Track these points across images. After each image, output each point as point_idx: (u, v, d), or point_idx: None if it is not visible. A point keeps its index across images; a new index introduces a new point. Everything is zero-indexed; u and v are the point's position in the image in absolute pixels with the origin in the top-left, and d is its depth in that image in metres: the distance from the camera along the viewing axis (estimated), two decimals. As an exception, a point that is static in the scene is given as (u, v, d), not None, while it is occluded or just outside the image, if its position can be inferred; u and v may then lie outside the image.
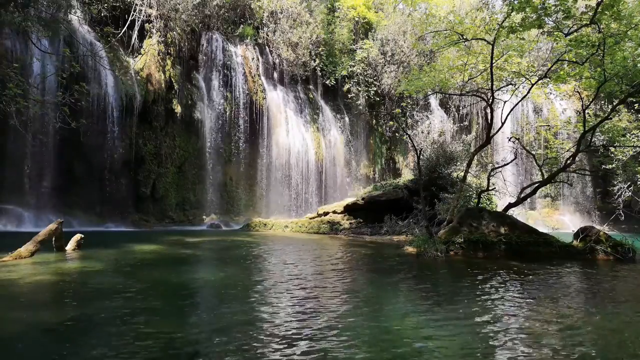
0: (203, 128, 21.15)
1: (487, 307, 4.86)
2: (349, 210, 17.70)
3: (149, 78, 19.36)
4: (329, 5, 26.84)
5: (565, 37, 10.74)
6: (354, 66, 25.90)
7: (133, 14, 19.24)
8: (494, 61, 11.64)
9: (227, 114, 21.80)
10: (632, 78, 10.84)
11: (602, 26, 10.02)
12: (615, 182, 20.96)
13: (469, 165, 13.13)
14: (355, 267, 8.13)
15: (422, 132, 20.43)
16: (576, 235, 10.03)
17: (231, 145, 21.93)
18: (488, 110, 13.15)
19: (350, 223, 16.88)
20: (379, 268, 8.05)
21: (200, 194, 21.13)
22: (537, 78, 12.54)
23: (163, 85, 19.81)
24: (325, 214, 18.17)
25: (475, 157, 14.91)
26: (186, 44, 21.26)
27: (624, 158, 17.75)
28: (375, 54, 25.97)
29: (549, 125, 25.69)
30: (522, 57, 13.59)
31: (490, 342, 3.62)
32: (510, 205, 11.91)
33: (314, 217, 18.23)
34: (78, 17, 18.10)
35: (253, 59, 23.16)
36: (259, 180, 22.75)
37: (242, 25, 23.64)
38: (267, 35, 24.01)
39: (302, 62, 24.39)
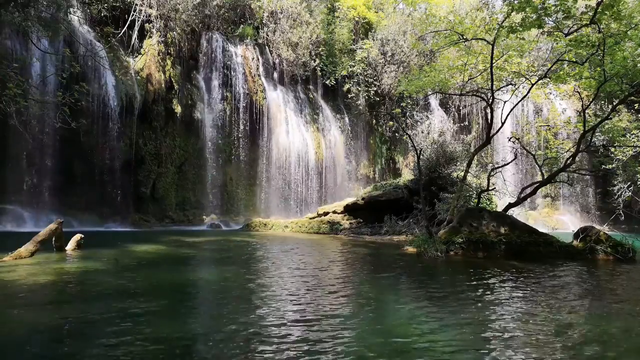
0: (203, 128, 21.15)
1: (487, 308, 4.86)
2: (349, 210, 17.69)
3: (149, 78, 19.36)
4: (329, 5, 26.83)
5: (565, 37, 10.74)
6: (354, 66, 25.90)
7: (133, 14, 19.24)
8: (494, 61, 11.63)
9: (227, 114, 21.80)
10: (632, 78, 10.82)
11: (602, 26, 10.01)
12: (615, 182, 20.93)
13: (469, 165, 13.12)
14: (355, 267, 8.13)
15: (422, 132, 20.41)
16: (576, 235, 10.03)
17: (231, 145, 21.92)
18: (488, 110, 13.15)
19: (350, 223, 16.88)
20: (379, 268, 8.05)
21: (200, 194, 21.13)
22: (537, 78, 12.53)
23: (163, 85, 19.81)
24: (325, 214, 18.16)
25: (475, 157, 14.90)
26: (186, 44, 21.25)
27: (624, 158, 17.71)
28: (375, 54, 25.97)
29: (549, 125, 25.68)
30: (522, 57, 13.56)
31: (490, 342, 3.62)
32: (510, 205, 11.91)
33: (314, 217, 18.23)
34: (78, 17, 18.10)
35: (253, 59, 23.16)
36: (259, 180, 22.75)
37: (242, 25, 23.63)
38: (267, 35, 24.01)
39: (302, 62, 24.39)
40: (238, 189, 22.34)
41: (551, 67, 12.20)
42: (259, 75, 23.16)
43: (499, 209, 13.82)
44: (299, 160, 23.32)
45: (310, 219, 18.09)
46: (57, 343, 3.45)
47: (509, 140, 15.53)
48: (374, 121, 27.52)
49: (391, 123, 26.50)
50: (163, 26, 20.15)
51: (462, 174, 13.55)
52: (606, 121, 13.42)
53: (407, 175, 23.88)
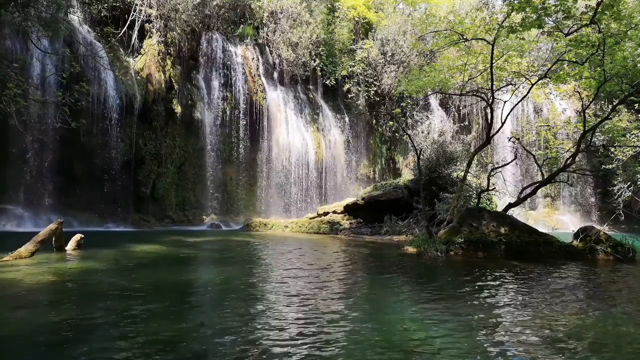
0: (203, 128, 21.15)
1: (487, 308, 4.85)
2: (349, 210, 17.69)
3: (149, 78, 19.35)
4: (329, 5, 26.83)
5: (565, 37, 10.74)
6: (354, 66, 25.89)
7: (133, 14, 19.24)
8: (494, 61, 11.63)
9: (227, 114, 21.80)
10: (632, 78, 10.82)
11: (602, 26, 10.02)
12: (615, 182, 20.94)
13: (469, 165, 13.12)
14: (355, 267, 8.13)
15: (422, 132, 20.43)
16: (576, 235, 10.03)
17: (231, 145, 21.92)
18: (488, 110, 13.15)
19: (350, 223, 16.88)
20: (379, 268, 8.05)
21: (200, 194, 21.12)
22: (537, 78, 12.53)
23: (163, 85, 19.81)
24: (325, 214, 18.16)
25: (475, 157, 14.90)
26: (186, 44, 21.25)
27: (624, 158, 17.73)
28: (375, 54, 25.96)
29: (549, 125, 25.68)
30: (522, 57, 13.56)
31: (490, 343, 3.62)
32: (510, 205, 11.91)
33: (314, 217, 18.23)
34: (78, 17, 18.10)
35: (253, 59, 23.16)
36: (259, 180, 22.75)
37: (242, 25, 23.63)
38: (267, 35, 24.01)
39: (302, 62, 24.38)
40: (238, 189, 22.34)
41: (551, 67, 12.20)
42: (259, 75, 23.16)
43: (499, 209, 13.82)
44: (299, 160, 23.32)
45: (310, 219, 18.09)
46: (57, 343, 3.45)
47: (509, 140, 15.53)
48: (374, 121, 27.51)
49: (391, 123, 26.50)
50: (163, 26, 20.14)
51: (462, 174, 13.55)
52: (606, 121, 13.42)
53: (407, 175, 23.88)
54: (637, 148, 16.37)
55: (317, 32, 24.85)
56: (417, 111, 25.72)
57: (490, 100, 12.51)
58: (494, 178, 14.52)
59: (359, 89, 26.05)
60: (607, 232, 10.17)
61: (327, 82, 25.53)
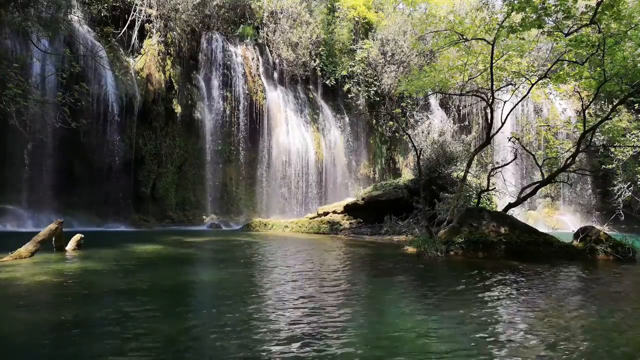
0: (203, 128, 21.15)
1: (487, 308, 4.85)
2: (349, 210, 17.69)
3: (149, 78, 19.35)
4: (329, 5, 26.83)
5: (565, 37, 10.74)
6: (354, 66, 25.89)
7: (133, 14, 19.24)
8: (494, 61, 11.64)
9: (227, 114, 21.80)
10: (632, 78, 10.84)
11: (602, 26, 10.02)
12: (615, 182, 20.95)
13: (469, 165, 13.12)
14: (355, 267, 8.13)
15: (422, 132, 20.45)
16: (576, 235, 10.03)
17: (231, 145, 21.92)
18: (488, 110, 13.15)
19: (350, 223, 16.88)
20: (379, 268, 8.05)
21: (200, 194, 21.12)
22: (537, 78, 12.54)
23: (163, 85, 19.81)
24: (325, 214, 18.16)
25: (475, 157, 14.90)
26: (186, 44, 21.25)
27: (624, 158, 17.74)
28: (375, 54, 25.96)
29: (549, 125, 25.67)
30: (522, 57, 13.57)
31: (489, 343, 3.62)
32: (510, 205, 11.91)
33: (314, 217, 18.22)
34: (78, 17, 18.09)
35: (253, 59, 23.16)
36: (259, 180, 22.75)
37: (242, 25, 23.63)
38: (267, 35, 24.01)
39: (302, 62, 24.38)
40: (238, 189, 22.34)
41: (551, 67, 12.21)
42: (259, 75, 23.15)
43: (499, 209, 13.82)
44: (299, 160, 23.32)
45: (310, 219, 18.08)
46: (57, 343, 3.45)
47: (509, 140, 15.53)
48: (374, 121, 27.51)
49: (391, 123, 26.51)
50: (163, 26, 20.15)
51: (462, 174, 13.55)
52: (606, 121, 13.44)
53: (407, 175, 23.86)
54: (637, 148, 16.39)
55: (317, 32, 24.85)
56: (417, 111, 25.74)
57: (490, 100, 12.52)
58: (494, 178, 14.53)
59: (359, 89, 26.04)
60: (607, 232, 10.18)
61: (327, 82, 25.53)
